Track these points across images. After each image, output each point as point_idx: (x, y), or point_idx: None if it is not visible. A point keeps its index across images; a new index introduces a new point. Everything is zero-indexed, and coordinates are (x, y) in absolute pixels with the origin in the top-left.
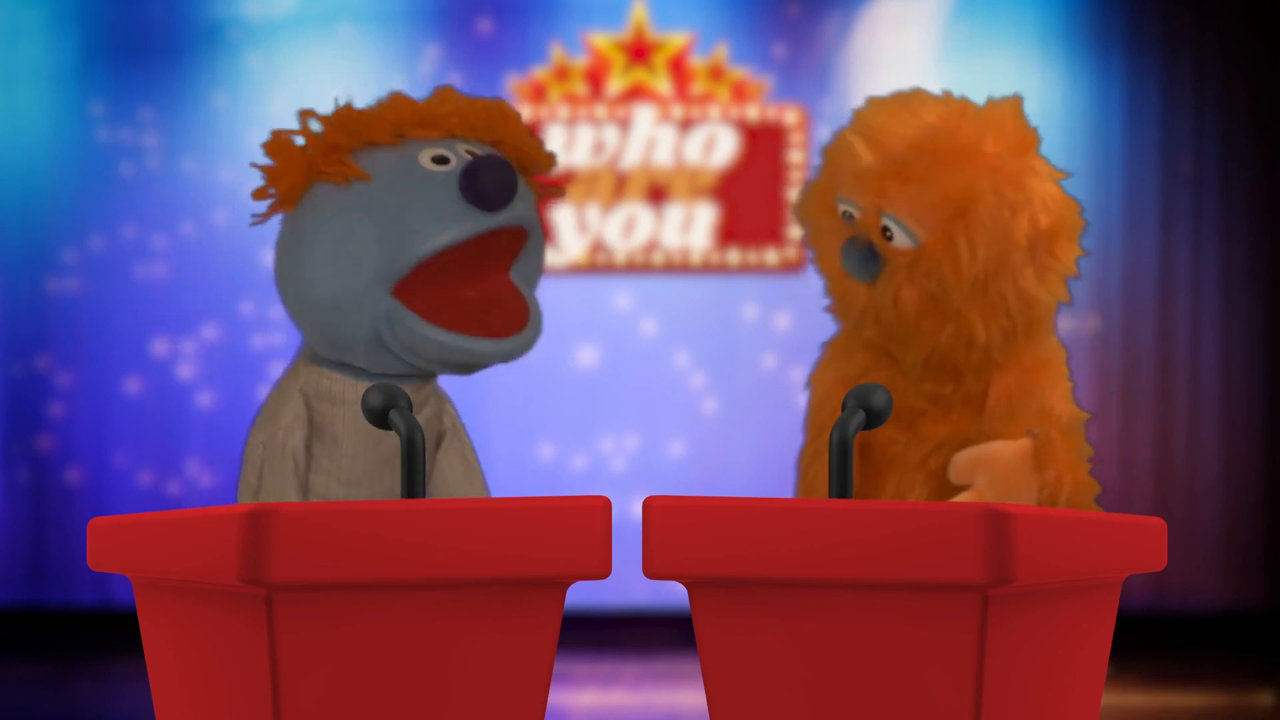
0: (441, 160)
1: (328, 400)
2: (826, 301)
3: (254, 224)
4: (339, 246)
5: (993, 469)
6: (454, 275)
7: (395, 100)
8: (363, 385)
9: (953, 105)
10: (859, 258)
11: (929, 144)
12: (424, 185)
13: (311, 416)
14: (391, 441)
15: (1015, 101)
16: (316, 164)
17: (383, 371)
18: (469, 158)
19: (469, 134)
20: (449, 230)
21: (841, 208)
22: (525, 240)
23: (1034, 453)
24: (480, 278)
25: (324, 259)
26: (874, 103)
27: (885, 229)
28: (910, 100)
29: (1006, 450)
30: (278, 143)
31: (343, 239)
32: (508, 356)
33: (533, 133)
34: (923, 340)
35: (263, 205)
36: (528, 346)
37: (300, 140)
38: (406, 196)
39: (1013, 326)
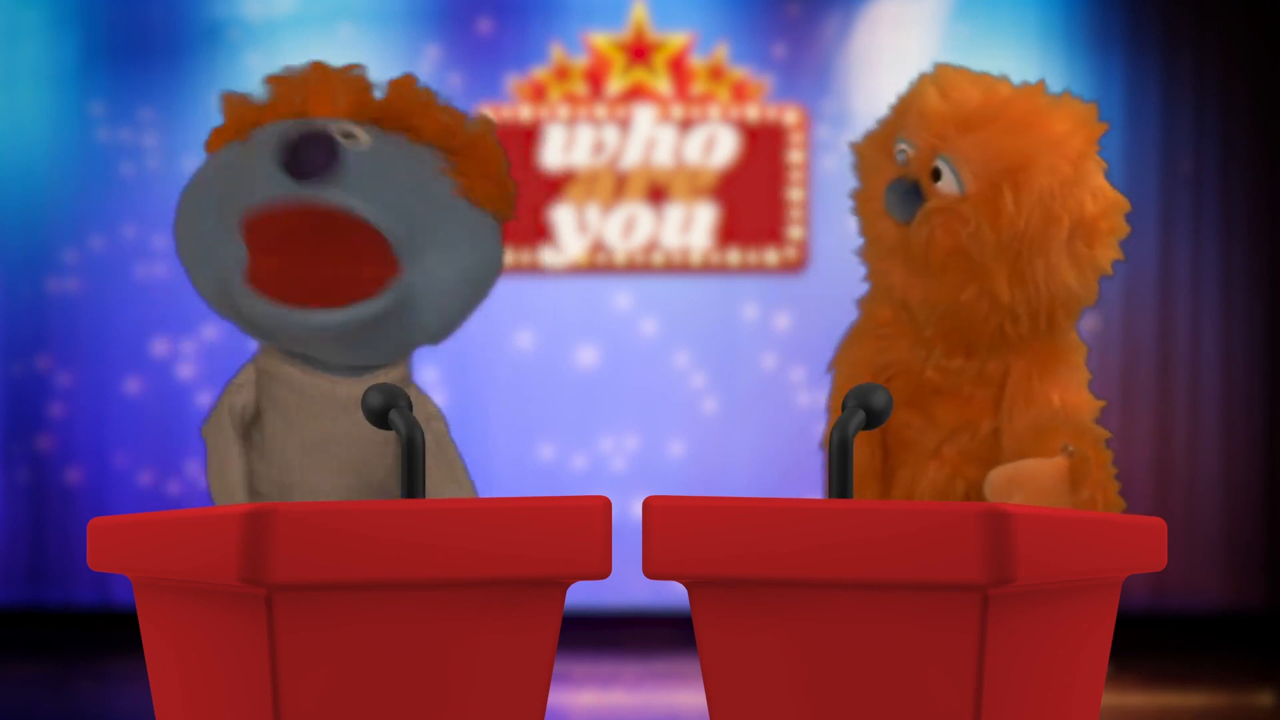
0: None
1: (267, 375)
2: (848, 265)
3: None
4: (191, 206)
5: (1028, 488)
6: (306, 258)
7: (327, 78)
8: (290, 363)
9: (1030, 87)
10: (902, 195)
11: (999, 104)
12: (264, 145)
13: (259, 386)
14: (316, 429)
15: (1092, 105)
16: (244, 129)
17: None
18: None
19: (361, 118)
20: (261, 191)
21: (898, 147)
22: (380, 242)
23: (1069, 471)
24: (327, 266)
25: (185, 218)
26: (953, 67)
27: (936, 170)
28: (988, 75)
29: (1043, 469)
30: (227, 101)
31: (195, 200)
32: (337, 327)
33: (445, 111)
34: (945, 291)
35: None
36: (367, 316)
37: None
38: (244, 160)
39: (1037, 307)
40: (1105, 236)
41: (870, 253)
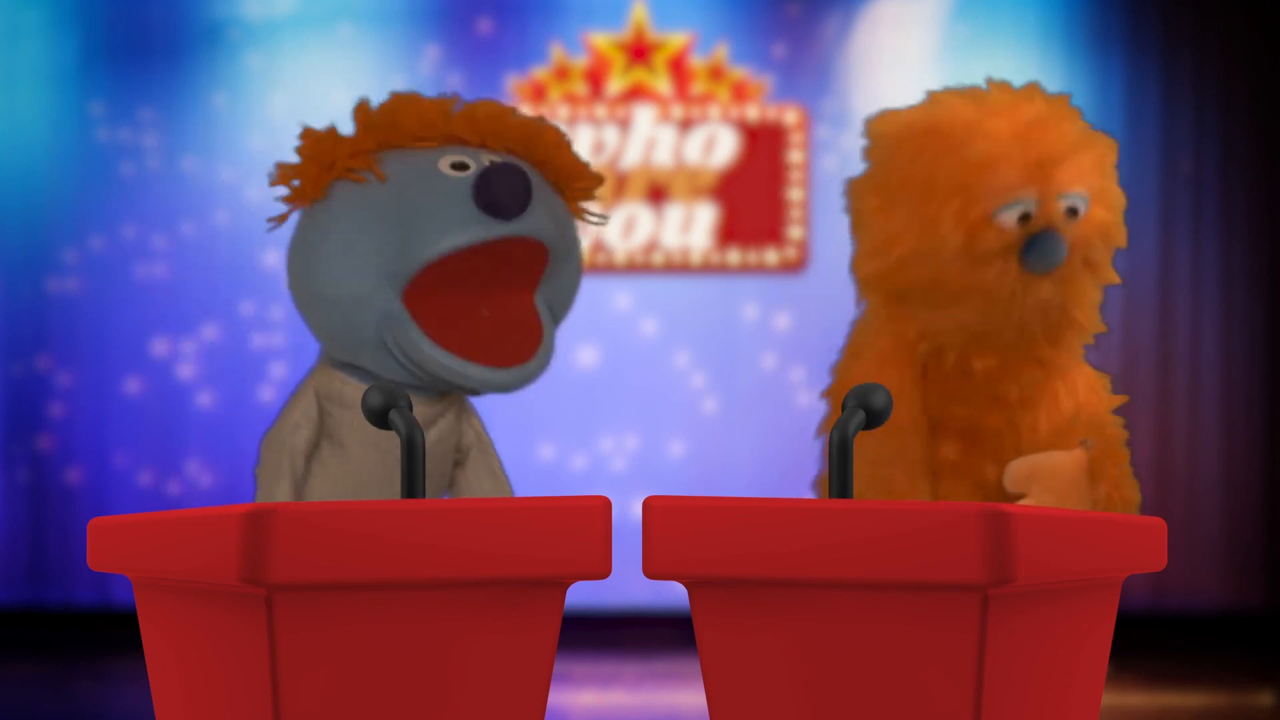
0: (460, 166)
1: (338, 403)
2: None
3: (270, 226)
4: (349, 244)
5: (1048, 481)
6: (469, 288)
7: (431, 105)
8: (358, 386)
9: (1006, 92)
10: (1049, 245)
11: (1052, 122)
12: (438, 188)
13: (323, 418)
14: (398, 450)
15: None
16: (340, 162)
17: (394, 379)
18: (487, 164)
19: (501, 147)
20: (456, 235)
21: (1015, 212)
22: (546, 259)
23: (1088, 465)
24: (498, 295)
25: (334, 255)
26: (944, 99)
27: (1071, 209)
28: (975, 88)
29: (1064, 462)
30: (307, 138)
31: (353, 237)
32: (504, 388)
33: (576, 155)
34: (1074, 320)
35: (268, 206)
36: (527, 380)
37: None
38: (419, 199)
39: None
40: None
41: (973, 317)
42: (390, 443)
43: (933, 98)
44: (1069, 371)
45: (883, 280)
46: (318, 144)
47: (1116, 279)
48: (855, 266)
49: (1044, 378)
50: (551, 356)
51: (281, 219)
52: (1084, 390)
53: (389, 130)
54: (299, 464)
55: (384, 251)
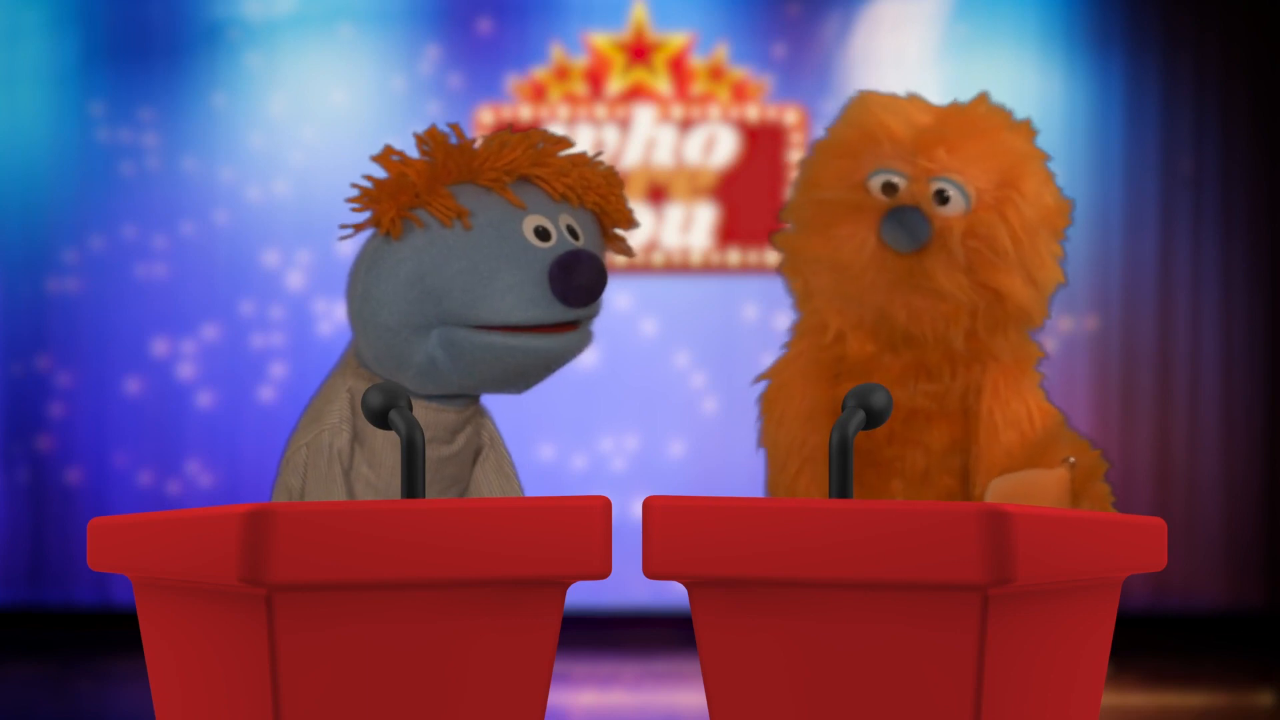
0: (543, 234)
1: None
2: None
3: (343, 238)
4: (421, 279)
5: (1034, 499)
6: None
7: (513, 143)
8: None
9: (958, 103)
10: (910, 223)
11: (959, 119)
12: (519, 257)
13: (355, 421)
14: (431, 454)
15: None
16: (422, 194)
17: (432, 393)
18: (569, 241)
19: (579, 203)
20: (524, 311)
21: (881, 179)
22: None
23: (1071, 484)
24: None
25: (403, 285)
26: (873, 94)
27: (940, 193)
28: (915, 96)
29: (1047, 480)
30: (388, 162)
31: (427, 273)
32: (564, 352)
33: (626, 200)
34: (945, 310)
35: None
36: (579, 347)
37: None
38: (498, 264)
39: (1032, 309)
40: (1062, 233)
41: (852, 289)
42: (445, 433)
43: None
44: (1017, 379)
45: (781, 245)
46: (401, 175)
47: (1019, 298)
48: (771, 237)
49: (944, 394)
50: (592, 335)
51: (357, 229)
52: (1036, 399)
53: (469, 165)
54: (346, 467)
55: (453, 298)
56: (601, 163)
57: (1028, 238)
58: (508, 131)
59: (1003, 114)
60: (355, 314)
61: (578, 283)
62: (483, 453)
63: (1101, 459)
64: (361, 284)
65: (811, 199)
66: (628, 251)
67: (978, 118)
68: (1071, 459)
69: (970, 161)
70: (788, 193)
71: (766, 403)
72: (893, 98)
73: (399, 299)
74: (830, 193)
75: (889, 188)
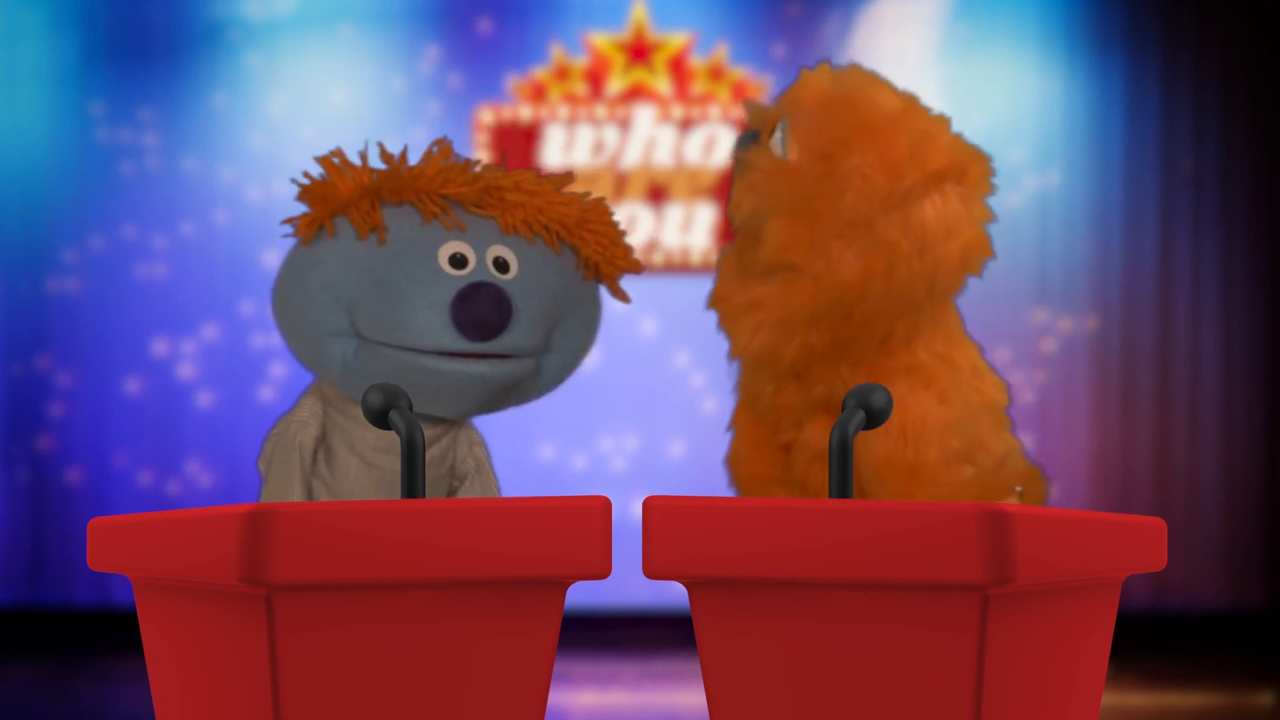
0: (459, 262)
1: (336, 408)
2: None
3: (285, 235)
4: (329, 287)
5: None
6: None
7: (459, 171)
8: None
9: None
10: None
11: (848, 93)
12: (427, 286)
13: (325, 418)
14: (387, 465)
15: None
16: (350, 207)
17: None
18: (485, 272)
19: (525, 232)
20: (432, 337)
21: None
22: (518, 370)
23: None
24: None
25: (315, 290)
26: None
27: (772, 130)
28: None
29: None
30: (328, 165)
31: (334, 283)
32: (479, 379)
33: (619, 238)
34: (833, 272)
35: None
36: (510, 373)
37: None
38: (407, 287)
39: (938, 259)
40: (979, 181)
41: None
42: (374, 458)
43: None
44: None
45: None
46: (337, 180)
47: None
48: None
49: (849, 376)
50: (530, 366)
51: (297, 231)
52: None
53: (412, 185)
54: (307, 460)
55: (358, 311)
56: (583, 197)
57: (875, 191)
58: (479, 161)
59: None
60: (276, 313)
61: (472, 315)
62: (468, 481)
63: (1045, 488)
64: (284, 285)
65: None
66: (622, 297)
67: (864, 88)
68: (1020, 489)
69: (816, 120)
70: None
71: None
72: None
73: (310, 303)
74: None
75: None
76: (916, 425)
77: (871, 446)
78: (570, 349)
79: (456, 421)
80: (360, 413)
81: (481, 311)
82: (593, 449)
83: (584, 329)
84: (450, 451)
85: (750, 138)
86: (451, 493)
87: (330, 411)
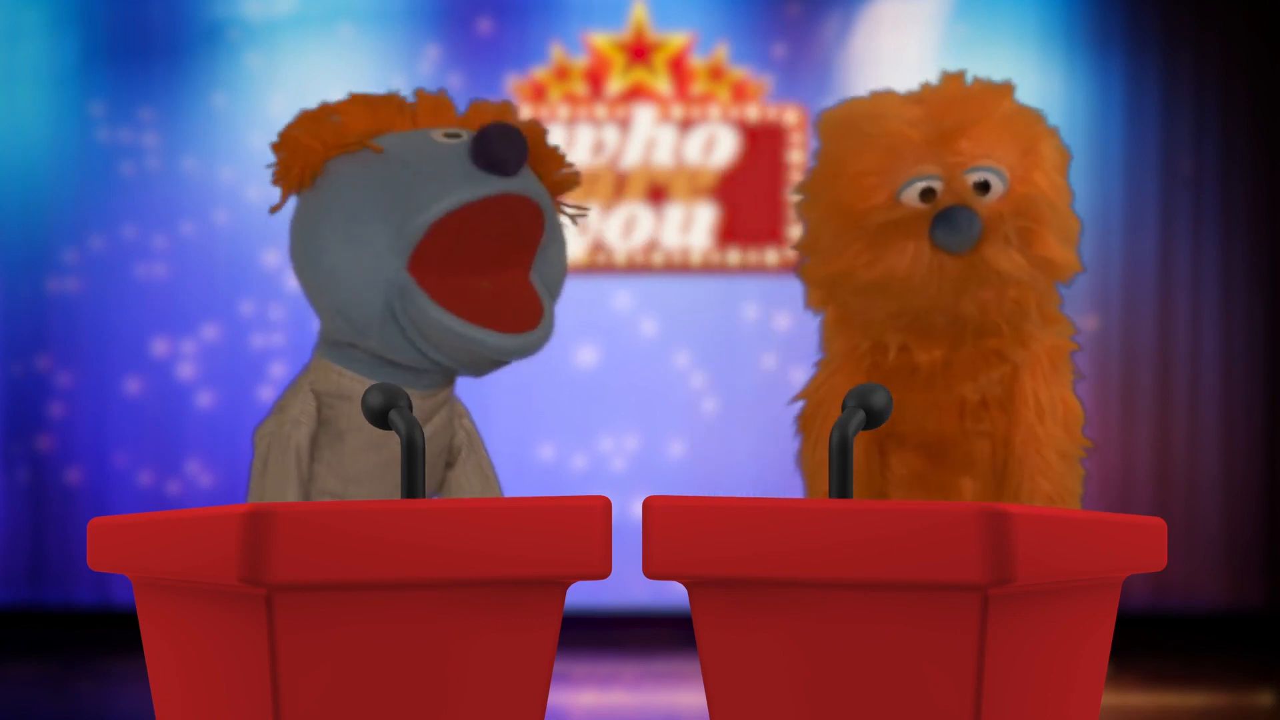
0: (453, 135)
1: (336, 395)
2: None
3: (273, 210)
4: (351, 217)
5: None
6: (471, 261)
7: (416, 97)
8: (356, 381)
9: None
10: (961, 222)
11: (961, 102)
12: (435, 154)
13: (320, 412)
14: (395, 444)
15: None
16: (331, 141)
17: (396, 360)
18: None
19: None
20: (456, 193)
21: (917, 188)
22: (540, 228)
23: None
24: (498, 271)
25: (336, 230)
26: (846, 111)
27: (983, 183)
28: (890, 91)
29: None
30: (302, 120)
31: (354, 210)
32: (514, 353)
33: (556, 147)
34: (1024, 301)
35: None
36: (536, 346)
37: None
38: (417, 165)
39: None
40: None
41: (896, 306)
42: (385, 435)
43: (871, 94)
44: (1044, 375)
45: (816, 279)
46: (314, 123)
47: (1064, 261)
48: (799, 272)
49: (1010, 376)
50: (553, 330)
51: (282, 200)
52: (1049, 418)
53: (383, 112)
54: (304, 464)
55: (388, 219)
56: (528, 121)
57: (1059, 198)
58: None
59: (985, 85)
60: (304, 277)
61: (498, 145)
62: (462, 454)
63: (1077, 496)
64: (300, 244)
65: (841, 228)
66: (567, 206)
67: (973, 98)
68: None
69: (994, 144)
70: (795, 230)
71: (804, 423)
72: (869, 107)
73: (339, 243)
74: (868, 217)
75: (927, 193)
76: (1075, 416)
77: (1034, 431)
78: (557, 269)
79: (450, 396)
80: (359, 388)
81: (504, 139)
82: (593, 449)
83: (561, 256)
84: (449, 426)
85: (968, 215)
86: (447, 467)
87: (329, 401)
